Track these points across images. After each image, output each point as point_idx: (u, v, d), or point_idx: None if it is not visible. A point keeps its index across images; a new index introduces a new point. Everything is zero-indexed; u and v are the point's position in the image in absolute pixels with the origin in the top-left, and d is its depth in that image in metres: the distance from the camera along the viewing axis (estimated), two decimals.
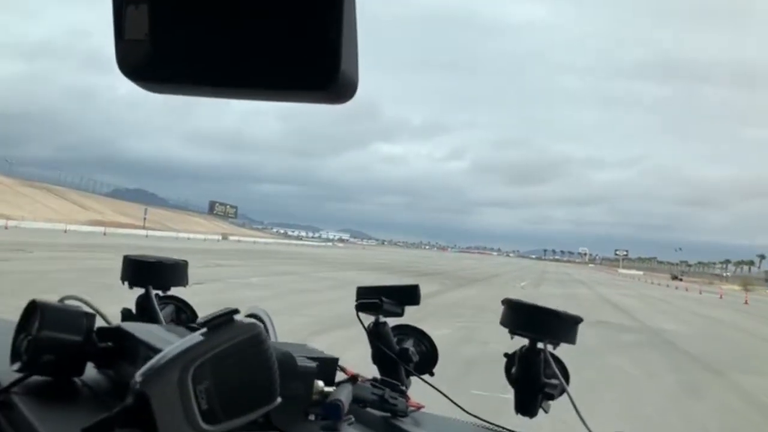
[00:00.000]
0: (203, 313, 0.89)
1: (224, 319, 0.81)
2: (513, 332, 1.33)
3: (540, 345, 1.32)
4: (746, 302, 47.63)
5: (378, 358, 1.44)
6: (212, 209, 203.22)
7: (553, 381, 1.32)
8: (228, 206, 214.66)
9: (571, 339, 1.35)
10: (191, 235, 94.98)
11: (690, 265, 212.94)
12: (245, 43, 0.62)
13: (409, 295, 1.48)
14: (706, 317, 28.93)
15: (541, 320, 1.34)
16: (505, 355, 1.38)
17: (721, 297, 55.07)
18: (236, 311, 0.82)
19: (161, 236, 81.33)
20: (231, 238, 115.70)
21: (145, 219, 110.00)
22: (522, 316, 1.35)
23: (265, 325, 1.21)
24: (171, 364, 0.78)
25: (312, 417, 1.06)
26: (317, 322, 13.85)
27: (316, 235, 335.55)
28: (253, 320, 0.85)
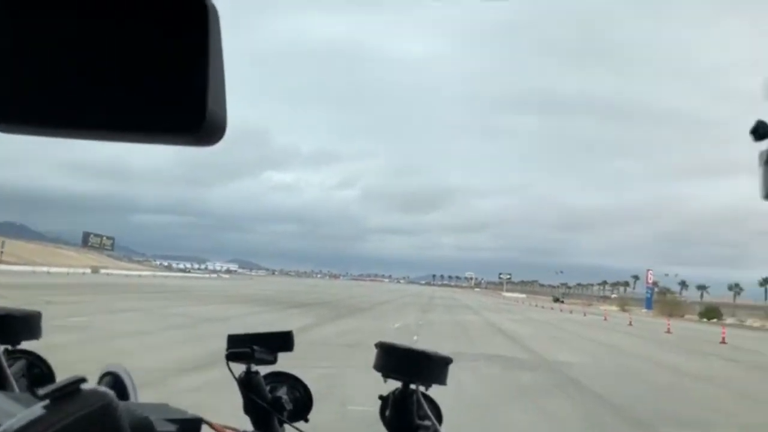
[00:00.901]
0: (60, 369, 0.83)
1: (69, 390, 0.73)
2: (386, 375, 1.38)
3: (413, 387, 1.36)
4: (630, 323, 47.47)
5: (250, 409, 1.40)
6: (86, 241, 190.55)
7: (426, 422, 1.36)
8: (104, 237, 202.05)
9: (442, 380, 1.39)
10: (54, 269, 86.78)
11: (570, 287, 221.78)
12: (107, 84, 0.60)
13: (282, 341, 1.46)
14: (601, 344, 27.13)
15: (413, 362, 1.38)
16: (380, 397, 1.42)
17: (605, 319, 55.09)
18: (83, 380, 0.75)
19: (13, 271, 72.71)
20: (103, 271, 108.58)
21: (2, 252, 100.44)
22: (394, 359, 1.38)
23: (123, 384, 1.22)
24: None
25: None
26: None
27: (203, 266, 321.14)
28: (102, 389, 0.77)
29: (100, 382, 1.24)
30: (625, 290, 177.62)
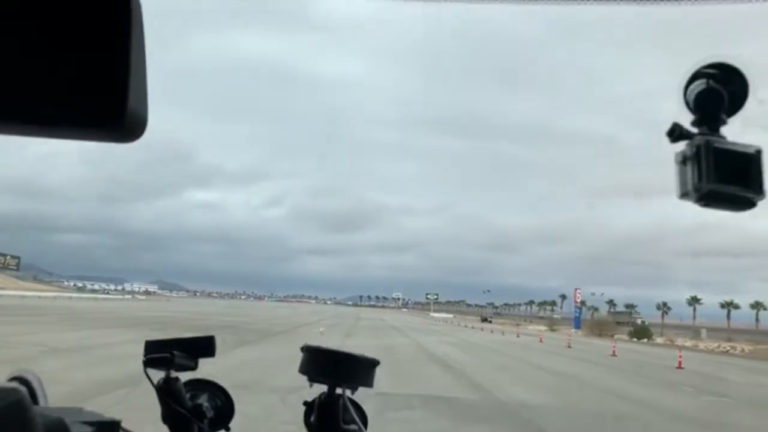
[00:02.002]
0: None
1: None
2: (312, 379, 1.37)
3: (339, 391, 1.35)
4: (569, 345, 44.25)
5: (169, 417, 1.36)
6: None
7: (352, 427, 1.35)
8: (8, 257, 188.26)
9: (368, 383, 1.38)
10: None
11: (497, 307, 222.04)
12: (26, 75, 0.57)
13: (203, 347, 1.41)
14: (552, 372, 23.07)
15: (339, 366, 1.36)
16: (305, 403, 1.39)
17: (541, 341, 51.80)
18: None
19: None
20: None
21: None
22: (320, 363, 1.37)
23: (33, 389, 1.16)
24: None
25: None
26: None
27: (119, 287, 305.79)
28: (13, 385, 0.76)
29: None
30: (552, 309, 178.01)
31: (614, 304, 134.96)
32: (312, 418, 1.38)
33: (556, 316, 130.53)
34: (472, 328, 77.45)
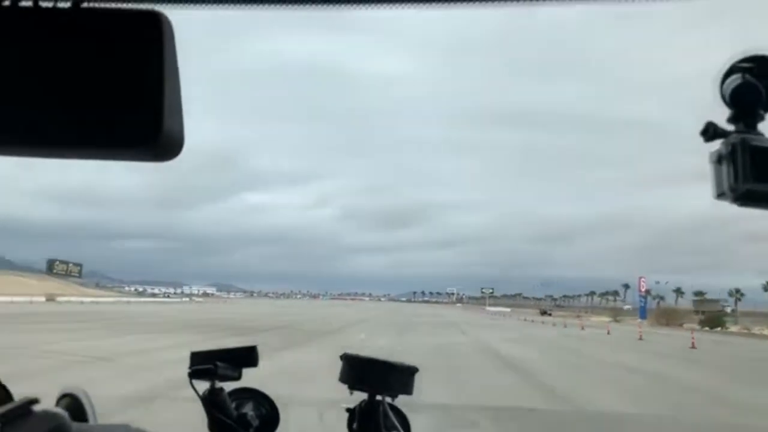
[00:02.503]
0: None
1: (20, 412, 0.72)
2: (352, 387, 1.39)
3: (378, 398, 1.37)
4: (641, 338, 41.08)
5: (215, 427, 1.39)
6: (51, 268, 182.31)
7: None
8: (71, 264, 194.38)
9: (408, 390, 1.40)
10: (2, 299, 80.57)
11: (555, 299, 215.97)
12: (59, 100, 0.59)
13: (246, 357, 1.45)
14: (636, 371, 20.43)
15: (378, 373, 1.38)
16: (347, 410, 1.41)
17: (608, 333, 48.60)
18: (35, 401, 0.74)
19: None
20: (62, 299, 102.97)
21: None
22: (358, 371, 1.40)
23: (81, 406, 1.18)
24: None
25: None
26: None
27: (178, 291, 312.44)
28: (54, 410, 0.78)
29: (57, 403, 1.20)
30: (615, 300, 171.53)
31: (681, 292, 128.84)
32: (354, 425, 1.39)
33: (626, 306, 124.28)
34: (532, 321, 74.30)
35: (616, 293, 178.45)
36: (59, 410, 0.77)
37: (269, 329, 34.34)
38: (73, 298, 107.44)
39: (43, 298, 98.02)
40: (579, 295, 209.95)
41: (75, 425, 0.77)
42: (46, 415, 0.73)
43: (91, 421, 1.16)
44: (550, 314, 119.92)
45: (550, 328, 56.47)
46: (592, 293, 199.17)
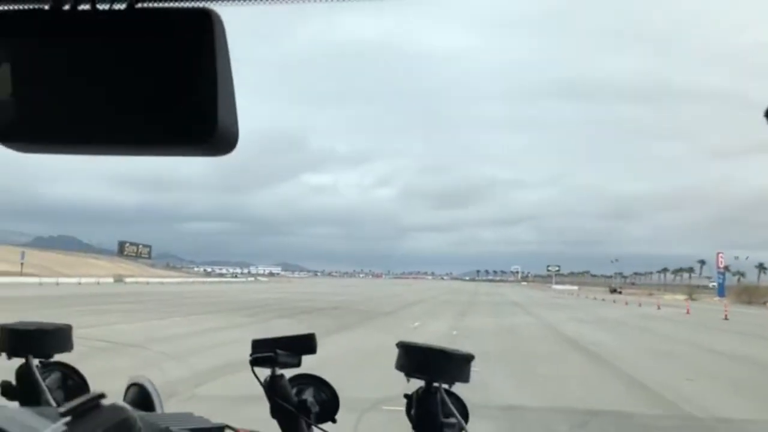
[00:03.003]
0: (93, 378, 0.88)
1: (89, 406, 0.75)
2: (409, 375, 1.39)
3: (435, 385, 1.37)
4: (726, 317, 37.32)
5: (277, 412, 1.42)
6: (122, 250, 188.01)
7: (452, 420, 1.36)
8: (140, 246, 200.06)
9: (464, 377, 1.39)
10: (72, 280, 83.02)
11: (625, 277, 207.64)
12: (117, 100, 0.61)
13: (305, 344, 1.46)
14: (738, 359, 17.41)
15: (433, 361, 1.39)
16: (405, 396, 1.41)
17: (688, 312, 44.76)
18: (102, 395, 0.77)
19: (16, 282, 67.35)
20: (129, 279, 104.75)
21: (22, 264, 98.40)
22: (415, 359, 1.40)
23: (148, 395, 1.25)
24: None
25: None
26: None
27: (245, 271, 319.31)
28: (121, 404, 0.80)
29: (126, 393, 1.29)
30: (690, 276, 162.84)
31: (765, 268, 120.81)
32: (412, 411, 1.40)
33: (712, 284, 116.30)
34: (603, 300, 70.33)
35: (691, 270, 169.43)
36: (125, 404, 0.79)
37: (320, 310, 32.58)
38: (140, 279, 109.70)
39: (111, 279, 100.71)
40: (650, 272, 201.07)
41: (141, 414, 0.79)
42: (114, 408, 0.76)
43: (158, 410, 1.21)
44: (620, 292, 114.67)
45: (623, 307, 52.76)
46: (665, 270, 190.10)
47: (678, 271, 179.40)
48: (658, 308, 50.31)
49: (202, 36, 0.60)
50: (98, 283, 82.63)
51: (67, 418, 0.74)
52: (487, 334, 21.32)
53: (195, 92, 0.60)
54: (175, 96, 0.61)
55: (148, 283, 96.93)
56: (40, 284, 70.49)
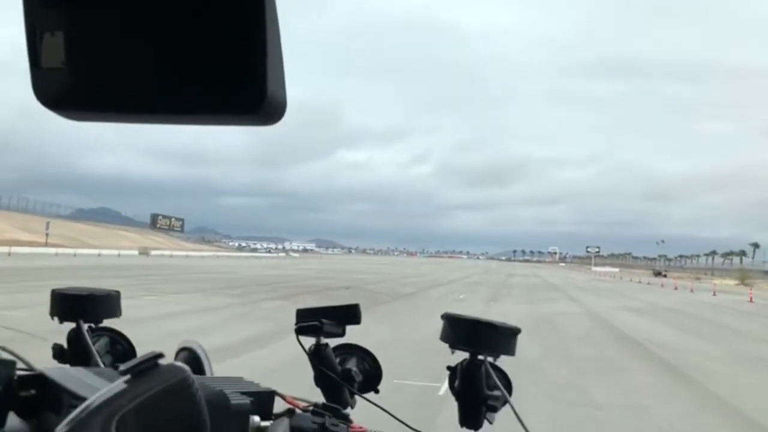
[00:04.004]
0: (140, 344, 0.89)
1: (148, 365, 0.78)
2: (453, 347, 1.36)
3: (480, 357, 1.34)
4: None
5: (321, 380, 1.44)
6: (155, 223, 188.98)
7: (496, 393, 1.34)
8: (173, 219, 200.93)
9: (510, 351, 1.36)
10: (94, 251, 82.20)
11: (669, 259, 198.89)
12: (168, 68, 0.62)
13: (349, 314, 1.47)
14: None
15: (480, 333, 1.35)
16: (448, 368, 1.39)
17: (751, 300, 39.45)
18: (161, 355, 0.79)
19: (35, 253, 66.30)
20: (156, 252, 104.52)
21: (47, 234, 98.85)
22: (460, 331, 1.36)
23: (199, 359, 1.27)
24: (92, 417, 0.74)
25: None
26: None
27: (280, 246, 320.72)
28: (179, 364, 0.82)
29: (176, 357, 1.30)
30: (741, 260, 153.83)
31: None
32: (456, 384, 1.37)
33: (747, 268, 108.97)
34: (648, 284, 64.87)
35: (743, 253, 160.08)
36: (182, 364, 0.81)
37: (330, 289, 28.56)
38: (167, 252, 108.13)
39: (136, 252, 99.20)
40: (697, 255, 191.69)
41: (195, 377, 0.81)
42: (172, 368, 0.78)
43: (208, 374, 1.23)
44: (664, 275, 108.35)
45: (673, 293, 47.51)
46: (713, 253, 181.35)
47: (728, 254, 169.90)
48: (714, 294, 44.91)
49: (252, 4, 0.60)
50: (119, 255, 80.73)
51: (127, 377, 0.76)
52: (520, 324, 16.89)
53: (245, 62, 0.60)
54: (225, 63, 0.60)
55: (171, 256, 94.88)
56: (56, 255, 69.46)
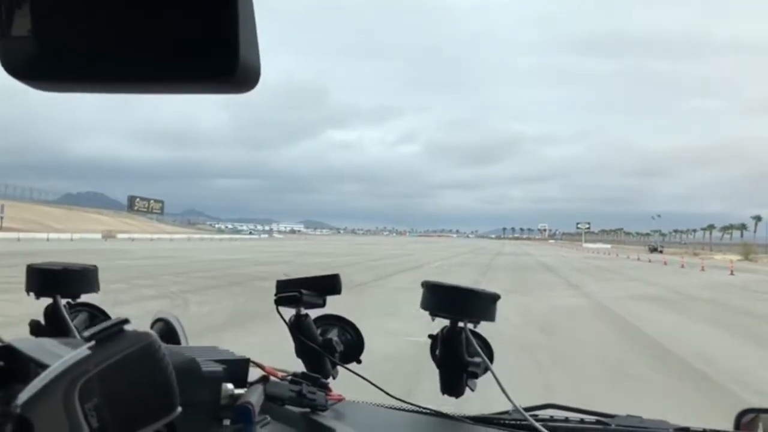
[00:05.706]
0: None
1: (113, 331, 0.77)
2: (433, 314, 1.38)
3: (461, 324, 1.36)
4: None
5: (301, 351, 1.45)
6: (132, 205, 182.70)
7: (476, 359, 1.36)
8: (152, 201, 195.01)
9: (490, 316, 1.37)
10: (40, 235, 76.36)
11: (664, 234, 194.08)
12: (137, 36, 0.60)
13: (329, 285, 1.48)
14: None
15: (460, 300, 1.37)
16: (429, 336, 1.41)
17: None
18: (126, 321, 0.79)
19: None
20: (124, 236, 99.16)
21: (1, 218, 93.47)
22: (441, 298, 1.38)
23: (174, 330, 1.30)
24: (54, 384, 0.73)
25: (227, 422, 1.04)
26: None
27: (266, 228, 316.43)
28: (146, 330, 0.82)
29: (152, 328, 1.32)
30: (742, 235, 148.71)
31: None
32: (437, 351, 1.39)
33: (749, 242, 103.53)
34: (649, 261, 59.40)
35: (743, 227, 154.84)
36: (149, 330, 0.80)
37: (261, 279, 22.63)
38: (136, 235, 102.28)
39: (99, 236, 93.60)
40: (694, 230, 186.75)
41: (167, 346, 0.80)
42: (138, 333, 0.77)
43: (183, 344, 1.25)
44: (660, 251, 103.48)
45: (680, 272, 41.87)
46: (711, 227, 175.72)
47: (727, 228, 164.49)
48: (731, 274, 39.23)
49: None
50: (71, 239, 74.90)
51: (91, 343, 0.75)
52: (509, 337, 11.04)
53: (216, 27, 0.58)
54: (196, 31, 0.58)
55: (133, 240, 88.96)
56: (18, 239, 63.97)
